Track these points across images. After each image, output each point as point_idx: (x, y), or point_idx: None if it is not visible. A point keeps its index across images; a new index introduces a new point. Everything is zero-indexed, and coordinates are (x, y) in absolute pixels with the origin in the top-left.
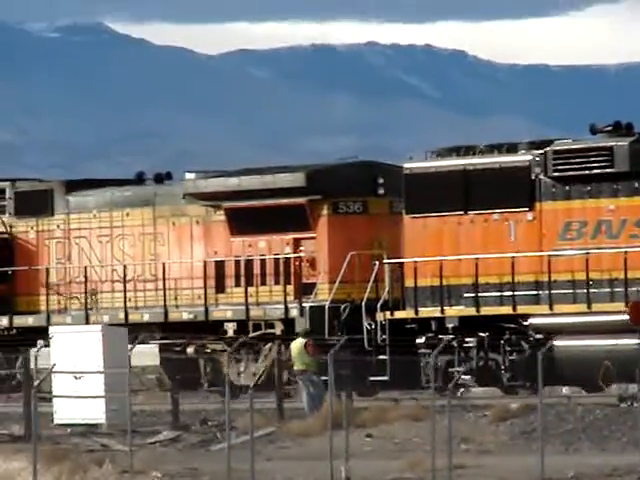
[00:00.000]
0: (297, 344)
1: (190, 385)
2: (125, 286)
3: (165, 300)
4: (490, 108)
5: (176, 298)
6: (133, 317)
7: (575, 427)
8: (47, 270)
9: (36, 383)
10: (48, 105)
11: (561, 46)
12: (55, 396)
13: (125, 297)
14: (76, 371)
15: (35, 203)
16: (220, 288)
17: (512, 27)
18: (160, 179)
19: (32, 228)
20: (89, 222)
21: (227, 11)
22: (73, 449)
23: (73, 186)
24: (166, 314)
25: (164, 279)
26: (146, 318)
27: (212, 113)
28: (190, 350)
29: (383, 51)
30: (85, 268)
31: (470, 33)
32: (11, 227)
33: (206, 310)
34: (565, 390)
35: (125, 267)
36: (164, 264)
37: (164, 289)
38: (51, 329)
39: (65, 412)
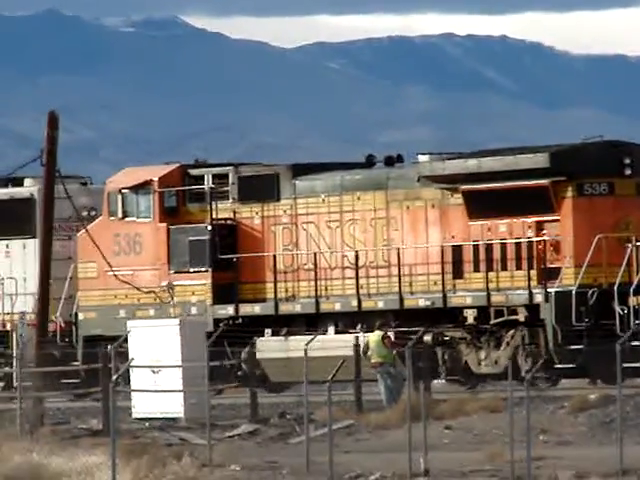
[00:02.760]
0: (375, 337)
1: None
2: (357, 273)
3: (400, 287)
4: (567, 100)
5: (411, 284)
6: (366, 304)
7: None
8: (274, 257)
9: (114, 377)
10: (124, 100)
11: (638, 36)
12: (134, 390)
13: (357, 284)
14: (154, 365)
15: (260, 188)
16: (458, 274)
17: (589, 17)
18: (391, 162)
19: (257, 214)
20: (317, 207)
21: (308, 4)
22: (152, 443)
23: (300, 170)
24: (401, 301)
25: (399, 265)
26: (380, 305)
27: (288, 107)
28: (427, 338)
29: (460, 42)
30: (314, 255)
31: (546, 24)
32: (235, 213)
33: (444, 296)
34: None
35: (357, 253)
36: (398, 249)
37: (399, 275)
38: (129, 323)
39: (143, 406)
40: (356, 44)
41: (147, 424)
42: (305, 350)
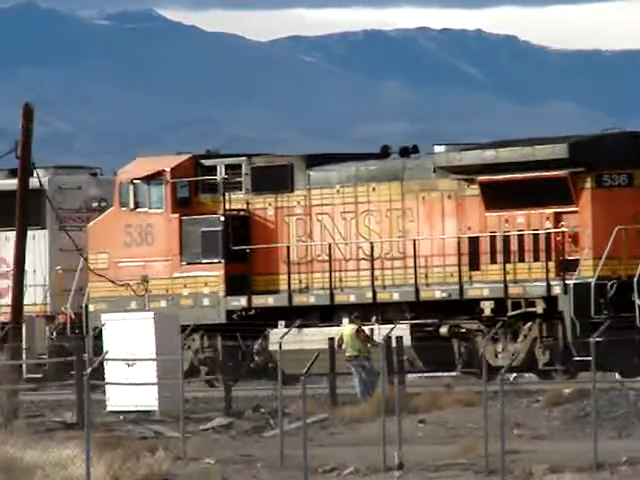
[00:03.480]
0: (349, 330)
1: (445, 366)
2: (373, 264)
3: (416, 278)
4: (541, 94)
5: (426, 276)
6: (382, 296)
7: (628, 412)
8: (288, 248)
9: (88, 370)
10: (99, 93)
11: (613, 31)
12: (108, 383)
13: (372, 275)
14: (129, 358)
15: (273, 178)
16: (474, 265)
17: (565, 12)
18: (406, 152)
19: (270, 204)
20: (332, 198)
21: None
22: (126, 436)
23: (314, 160)
24: (417, 292)
25: (415, 256)
26: (396, 297)
27: (263, 100)
28: (443, 330)
29: (435, 36)
30: (329, 246)
31: (521, 18)
32: (248, 204)
33: (461, 288)
34: (618, 375)
35: (372, 244)
36: (414, 241)
37: (415, 267)
38: (103, 316)
39: (118, 399)
40: (332, 38)
41: (121, 417)
42: (279, 343)
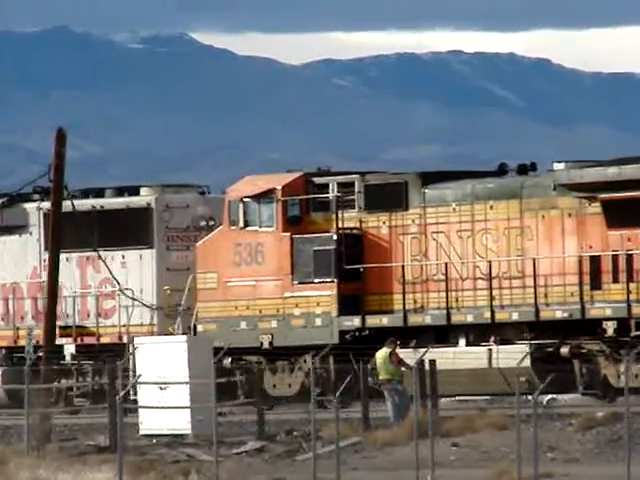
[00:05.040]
0: (382, 353)
1: (564, 386)
2: (491, 283)
3: (536, 298)
4: (575, 117)
5: (546, 295)
6: (500, 316)
7: None
8: (402, 267)
9: (121, 393)
10: (131, 116)
11: None
12: (141, 406)
13: (491, 295)
14: (161, 381)
15: (388, 197)
16: (596, 284)
17: (598, 35)
18: (524, 170)
19: (384, 223)
20: (448, 216)
21: (322, 20)
22: (159, 460)
23: (429, 178)
24: (537, 312)
25: (534, 275)
26: (515, 317)
27: (295, 123)
28: (564, 350)
29: (467, 60)
30: (445, 265)
31: (554, 41)
32: (361, 222)
33: (582, 308)
34: None
35: (490, 263)
36: (534, 259)
37: (534, 286)
38: (136, 340)
39: (151, 422)
40: (364, 61)
41: (154, 440)
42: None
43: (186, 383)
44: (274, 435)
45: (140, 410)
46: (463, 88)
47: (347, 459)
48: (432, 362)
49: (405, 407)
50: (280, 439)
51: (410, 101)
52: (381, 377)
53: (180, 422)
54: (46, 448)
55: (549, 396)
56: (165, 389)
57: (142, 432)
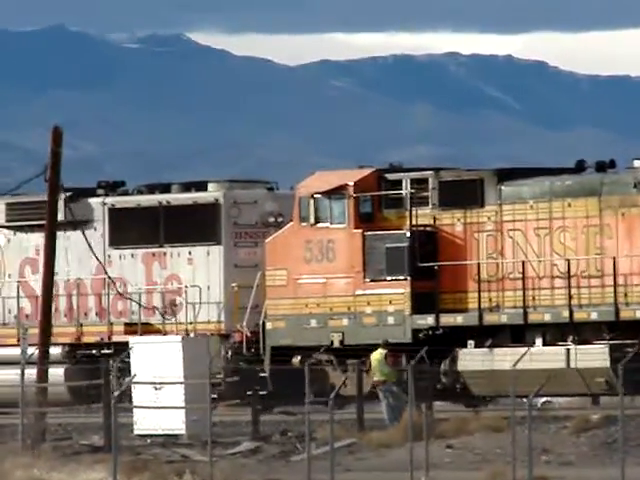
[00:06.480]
0: (377, 355)
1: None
2: (569, 282)
3: (615, 297)
4: (570, 119)
5: (626, 295)
6: (578, 315)
7: None
8: (478, 265)
9: (116, 393)
10: (128, 116)
11: None
12: (135, 406)
13: (570, 294)
14: (156, 382)
15: (463, 193)
16: None
17: (594, 38)
18: (603, 167)
19: (459, 220)
20: (524, 213)
21: (321, 22)
22: (153, 460)
23: (505, 175)
24: (617, 312)
25: (614, 274)
26: (594, 316)
27: (292, 124)
28: None
29: (464, 62)
30: (522, 263)
31: (551, 44)
32: (435, 219)
33: None
34: None
35: (569, 261)
36: (614, 258)
37: (614, 285)
38: (131, 340)
39: (145, 423)
40: (361, 62)
41: (149, 440)
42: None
43: (181, 383)
44: (269, 436)
45: (135, 410)
46: (460, 90)
47: (341, 460)
48: (430, 363)
49: (399, 409)
50: (275, 440)
51: (407, 102)
52: (376, 378)
53: (175, 422)
54: (40, 447)
55: (544, 398)
56: (160, 389)
57: (137, 432)
